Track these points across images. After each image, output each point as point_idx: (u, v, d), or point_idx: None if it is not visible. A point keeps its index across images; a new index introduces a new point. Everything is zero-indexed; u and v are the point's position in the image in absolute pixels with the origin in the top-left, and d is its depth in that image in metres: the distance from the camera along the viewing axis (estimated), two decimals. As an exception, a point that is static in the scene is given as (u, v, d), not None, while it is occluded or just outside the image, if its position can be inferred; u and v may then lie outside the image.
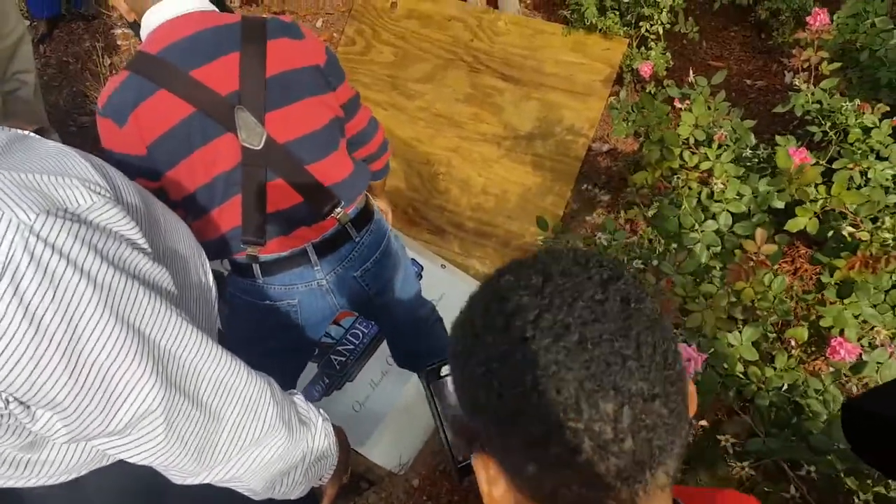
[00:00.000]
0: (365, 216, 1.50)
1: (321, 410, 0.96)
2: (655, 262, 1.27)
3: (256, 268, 1.39)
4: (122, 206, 0.71)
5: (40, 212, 0.61)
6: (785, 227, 1.33)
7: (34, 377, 0.62)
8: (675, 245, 1.32)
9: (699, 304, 1.19)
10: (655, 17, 2.73)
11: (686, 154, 1.39)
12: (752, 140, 1.73)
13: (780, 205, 1.40)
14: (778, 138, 1.69)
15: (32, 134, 0.76)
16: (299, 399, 0.93)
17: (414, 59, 3.16)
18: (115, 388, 0.66)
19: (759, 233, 1.18)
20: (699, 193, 1.37)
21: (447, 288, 2.59)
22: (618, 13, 2.84)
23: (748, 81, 2.89)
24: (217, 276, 1.13)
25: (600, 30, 2.84)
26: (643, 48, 2.84)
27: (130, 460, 0.72)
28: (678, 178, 1.35)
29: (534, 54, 2.95)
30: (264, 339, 1.51)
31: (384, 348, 2.40)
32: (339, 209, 1.40)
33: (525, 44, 2.99)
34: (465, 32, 3.14)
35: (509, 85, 2.96)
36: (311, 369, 2.30)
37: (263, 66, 1.27)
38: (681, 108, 1.71)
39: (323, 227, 1.41)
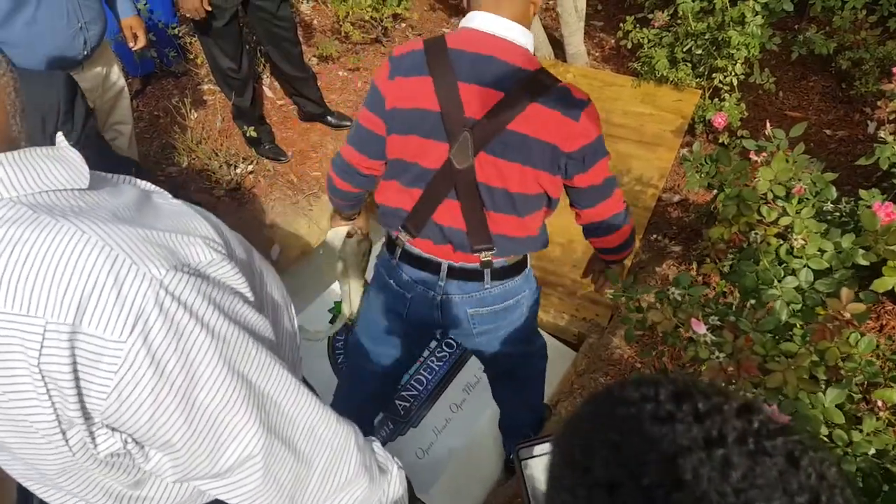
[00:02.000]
0: (508, 272, 1.54)
1: (396, 458, 0.96)
2: (733, 319, 1.23)
3: (398, 250, 1.55)
4: (234, 260, 0.77)
5: (169, 268, 0.67)
6: (871, 287, 1.27)
7: (154, 420, 0.67)
8: (752, 301, 1.28)
9: (780, 364, 1.14)
10: (729, 68, 2.71)
11: (764, 209, 1.36)
12: (834, 193, 1.67)
13: (865, 262, 1.34)
14: (862, 192, 1.63)
15: (154, 188, 0.82)
16: (377, 447, 0.94)
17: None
18: (223, 433, 0.70)
19: (845, 292, 1.13)
20: (778, 249, 1.33)
21: (512, 336, 2.59)
22: (690, 65, 2.84)
23: (828, 132, 2.81)
24: None
25: (671, 81, 2.84)
26: (716, 99, 2.82)
27: (228, 501, 0.75)
28: (756, 233, 1.32)
29: (602, 105, 2.97)
30: (383, 317, 1.68)
31: (449, 395, 2.41)
32: (487, 254, 1.48)
33: (594, 95, 2.98)
34: (534, 84, 3.19)
35: (578, 135, 2.98)
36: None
37: (510, 120, 1.32)
38: (757, 161, 1.68)
39: (466, 258, 1.49)
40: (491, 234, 1.43)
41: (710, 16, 2.77)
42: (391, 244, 1.58)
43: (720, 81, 2.77)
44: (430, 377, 2.45)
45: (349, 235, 1.83)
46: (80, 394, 0.63)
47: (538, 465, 0.66)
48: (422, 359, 2.50)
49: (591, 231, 1.59)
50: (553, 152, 1.34)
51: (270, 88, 3.52)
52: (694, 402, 0.46)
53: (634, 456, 0.44)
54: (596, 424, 0.48)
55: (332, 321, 2.60)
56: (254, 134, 3.07)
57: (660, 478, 0.42)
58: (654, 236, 2.68)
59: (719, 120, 2.53)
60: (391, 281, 1.60)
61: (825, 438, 1.20)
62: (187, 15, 2.59)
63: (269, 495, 0.75)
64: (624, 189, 2.79)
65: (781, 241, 1.33)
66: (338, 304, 2.65)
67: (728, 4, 2.65)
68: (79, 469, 0.72)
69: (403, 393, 2.39)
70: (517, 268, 1.56)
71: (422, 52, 1.35)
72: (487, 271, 1.51)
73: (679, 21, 2.86)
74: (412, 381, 2.43)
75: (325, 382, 2.31)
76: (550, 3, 3.73)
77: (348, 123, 3.37)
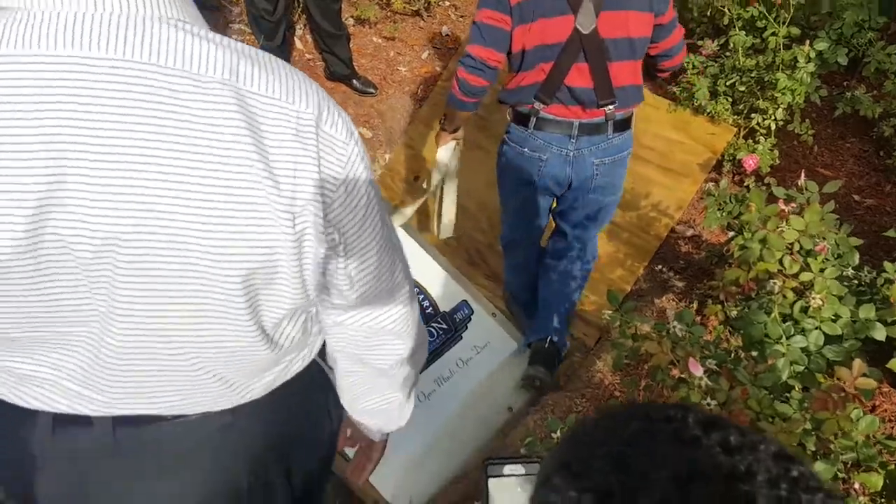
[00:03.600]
0: (624, 124, 1.94)
1: None
2: (731, 367, 1.15)
3: (533, 119, 1.86)
4: None
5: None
6: (888, 365, 1.19)
7: (364, 220, 0.75)
8: (755, 353, 1.21)
9: (773, 425, 1.07)
10: (770, 111, 2.62)
11: (787, 260, 1.28)
12: (857, 260, 1.60)
13: (880, 337, 1.26)
14: (886, 265, 1.55)
15: None
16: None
17: (512, 104, 3.14)
18: (396, 253, 0.84)
19: (858, 364, 1.05)
20: (792, 304, 1.25)
21: (493, 337, 2.51)
22: (730, 100, 2.75)
23: (857, 197, 2.72)
24: None
25: (708, 113, 2.74)
26: (750, 140, 2.73)
27: (383, 320, 0.86)
28: (774, 283, 1.24)
29: (634, 125, 2.87)
30: (521, 184, 2.01)
31: (445, 361, 2.34)
32: (611, 107, 1.83)
33: (627, 112, 2.92)
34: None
35: (602, 149, 2.89)
36: (342, 389, 2.25)
37: None
38: (784, 210, 1.60)
39: (592, 114, 1.83)
40: (613, 87, 1.78)
41: (760, 54, 2.68)
42: (522, 118, 1.89)
43: (758, 123, 2.68)
44: (435, 335, 2.39)
45: (455, 150, 2.20)
46: (321, 180, 0.68)
47: (503, 486, 0.63)
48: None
49: (662, 56, 1.92)
50: None
51: (301, 40, 3.42)
52: (726, 433, 0.39)
53: (640, 471, 0.39)
54: (606, 434, 0.43)
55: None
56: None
57: (662, 498, 0.37)
58: (660, 267, 2.60)
59: (750, 162, 2.45)
60: (525, 149, 1.92)
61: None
62: None
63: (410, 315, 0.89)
64: (638, 214, 2.71)
65: (797, 297, 1.26)
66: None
67: (781, 46, 2.56)
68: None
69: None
70: (628, 122, 1.95)
71: None
72: (610, 123, 1.87)
73: (728, 53, 2.77)
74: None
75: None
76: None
77: (373, 91, 3.27)
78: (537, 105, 1.84)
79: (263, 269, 0.68)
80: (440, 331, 2.50)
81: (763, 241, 1.28)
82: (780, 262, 1.28)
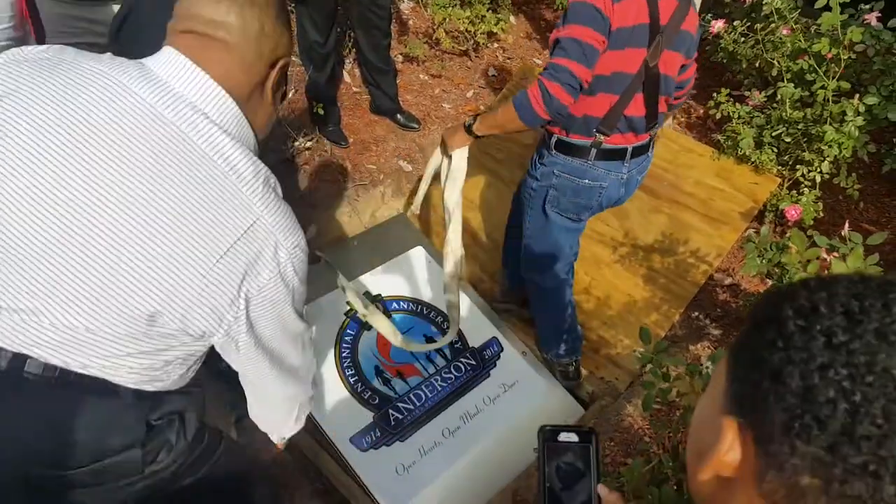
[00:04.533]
0: (654, 142, 2.06)
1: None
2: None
3: (594, 151, 1.91)
4: None
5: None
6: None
7: (274, 324, 1.08)
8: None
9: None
10: (816, 164, 2.58)
11: (828, 306, 1.24)
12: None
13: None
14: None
15: None
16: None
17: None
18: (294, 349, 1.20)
19: None
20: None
21: (522, 376, 2.48)
22: (775, 151, 2.72)
23: (903, 256, 2.64)
24: None
25: (752, 162, 2.72)
26: (794, 192, 2.68)
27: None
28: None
29: (676, 170, 2.87)
30: (575, 214, 2.07)
31: (445, 418, 2.31)
32: (654, 130, 1.97)
33: (669, 157, 2.91)
34: (610, 132, 3.11)
35: (641, 193, 2.86)
36: (366, 418, 2.23)
37: (685, 19, 1.78)
38: (826, 260, 1.56)
39: (640, 138, 1.94)
40: (658, 112, 1.90)
41: (808, 107, 2.65)
42: (578, 150, 1.92)
43: (803, 175, 2.64)
44: (430, 395, 2.35)
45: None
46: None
47: (557, 452, 0.68)
48: (427, 374, 2.41)
49: (678, 88, 1.99)
50: (693, 40, 1.87)
51: (350, 74, 3.52)
52: None
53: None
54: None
55: (347, 312, 2.54)
56: (321, 112, 3.06)
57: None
58: (696, 314, 2.55)
59: (793, 212, 2.40)
60: (584, 180, 1.96)
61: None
62: None
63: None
64: (676, 259, 2.68)
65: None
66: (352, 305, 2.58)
67: (830, 99, 2.53)
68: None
69: (399, 404, 2.30)
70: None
71: None
72: (652, 142, 2.02)
73: (775, 105, 2.75)
74: (411, 395, 2.34)
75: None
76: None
77: (416, 126, 3.33)
78: (599, 137, 1.88)
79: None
80: (468, 366, 2.47)
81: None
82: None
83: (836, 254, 1.57)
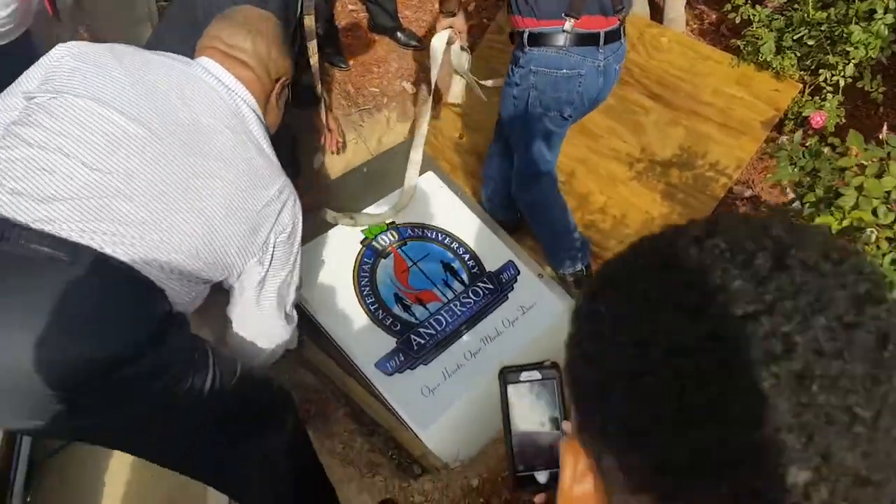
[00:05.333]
0: (623, 28, 2.03)
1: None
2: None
3: (566, 37, 1.91)
4: None
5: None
6: None
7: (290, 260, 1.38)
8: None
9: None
10: (840, 66, 2.48)
11: (882, 209, 1.20)
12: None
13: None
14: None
15: None
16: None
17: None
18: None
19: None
20: (884, 255, 1.18)
21: (539, 298, 2.47)
22: (797, 55, 2.60)
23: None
24: None
25: (773, 68, 2.61)
26: (816, 98, 2.59)
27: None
28: (871, 231, 1.16)
29: (693, 79, 2.75)
30: (557, 109, 2.04)
31: (466, 341, 2.31)
32: (622, 13, 1.95)
33: (686, 66, 2.79)
34: (622, 42, 2.97)
35: (657, 105, 2.77)
36: (390, 343, 2.23)
37: None
38: (863, 164, 1.50)
39: (611, 21, 1.93)
40: None
41: (831, 7, 2.52)
42: (550, 38, 1.91)
43: (825, 80, 2.54)
44: (450, 320, 2.34)
45: (449, 42, 2.17)
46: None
47: (521, 392, 0.66)
48: (446, 300, 2.39)
49: None
50: None
51: (345, -9, 3.33)
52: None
53: (660, 296, 0.38)
54: (642, 263, 0.42)
55: (362, 241, 2.50)
56: (319, 32, 2.90)
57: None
58: (716, 228, 2.51)
59: (818, 119, 2.32)
60: (563, 70, 1.95)
61: None
62: None
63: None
64: (695, 173, 2.61)
65: (890, 249, 1.18)
66: (371, 229, 2.53)
67: (857, -5, 2.40)
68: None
69: (421, 330, 2.29)
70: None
71: None
72: (623, 28, 1.99)
73: (796, 6, 2.62)
74: (432, 321, 2.33)
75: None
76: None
77: (416, 44, 3.18)
78: (569, 21, 1.88)
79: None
80: (486, 291, 2.46)
81: (860, 187, 1.19)
82: (874, 212, 1.20)
83: (873, 159, 1.51)
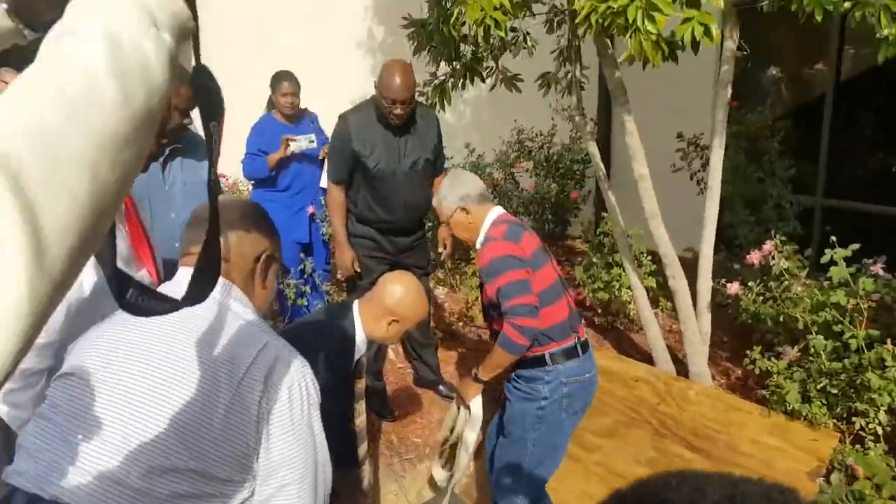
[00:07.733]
0: None
1: None
2: None
3: (579, 347, 2.21)
4: None
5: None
6: None
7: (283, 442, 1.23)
8: None
9: None
10: (871, 414, 2.52)
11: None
12: None
13: None
14: None
15: None
16: None
17: (595, 411, 3.14)
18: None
19: None
20: None
21: None
22: (824, 403, 2.67)
23: None
24: None
25: (805, 417, 2.66)
26: (858, 445, 2.57)
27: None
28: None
29: (727, 429, 2.80)
30: (578, 414, 2.29)
31: None
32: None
33: (718, 417, 2.87)
34: (651, 395, 3.11)
35: (697, 456, 2.77)
36: None
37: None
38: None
39: (583, 331, 2.28)
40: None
41: (845, 358, 2.67)
42: (571, 351, 2.19)
43: (862, 428, 2.55)
44: None
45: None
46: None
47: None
48: None
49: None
50: None
51: (394, 352, 3.70)
52: None
53: None
54: None
55: None
56: (368, 383, 3.16)
57: None
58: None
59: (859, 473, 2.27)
60: (586, 375, 2.23)
61: None
62: (339, 276, 2.93)
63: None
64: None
65: None
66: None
67: (864, 347, 2.56)
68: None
69: None
70: None
71: (515, 224, 2.25)
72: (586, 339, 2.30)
73: (811, 358, 2.78)
74: None
75: None
76: (674, 325, 3.81)
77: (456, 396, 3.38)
78: (573, 334, 2.20)
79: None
80: None
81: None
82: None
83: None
